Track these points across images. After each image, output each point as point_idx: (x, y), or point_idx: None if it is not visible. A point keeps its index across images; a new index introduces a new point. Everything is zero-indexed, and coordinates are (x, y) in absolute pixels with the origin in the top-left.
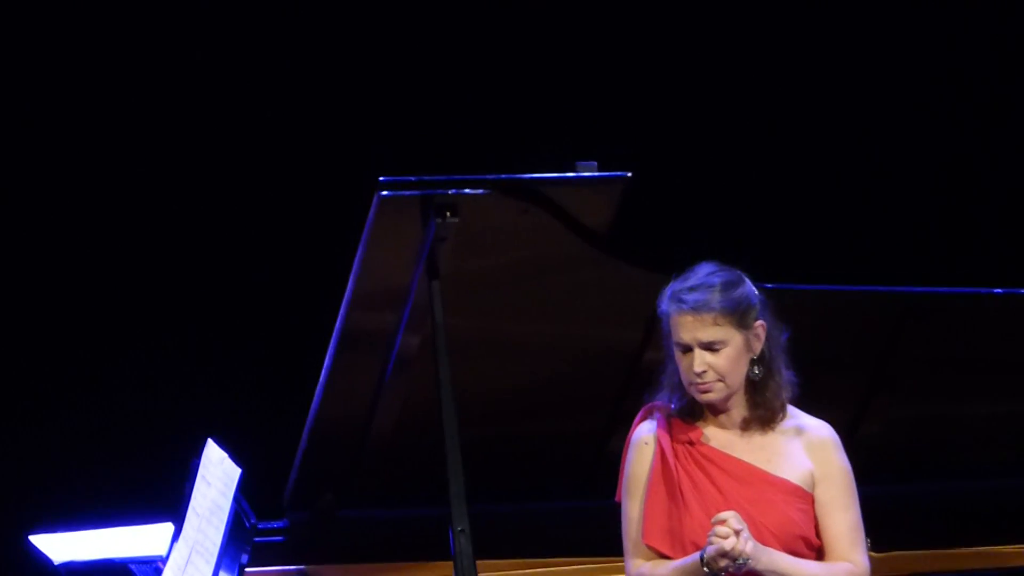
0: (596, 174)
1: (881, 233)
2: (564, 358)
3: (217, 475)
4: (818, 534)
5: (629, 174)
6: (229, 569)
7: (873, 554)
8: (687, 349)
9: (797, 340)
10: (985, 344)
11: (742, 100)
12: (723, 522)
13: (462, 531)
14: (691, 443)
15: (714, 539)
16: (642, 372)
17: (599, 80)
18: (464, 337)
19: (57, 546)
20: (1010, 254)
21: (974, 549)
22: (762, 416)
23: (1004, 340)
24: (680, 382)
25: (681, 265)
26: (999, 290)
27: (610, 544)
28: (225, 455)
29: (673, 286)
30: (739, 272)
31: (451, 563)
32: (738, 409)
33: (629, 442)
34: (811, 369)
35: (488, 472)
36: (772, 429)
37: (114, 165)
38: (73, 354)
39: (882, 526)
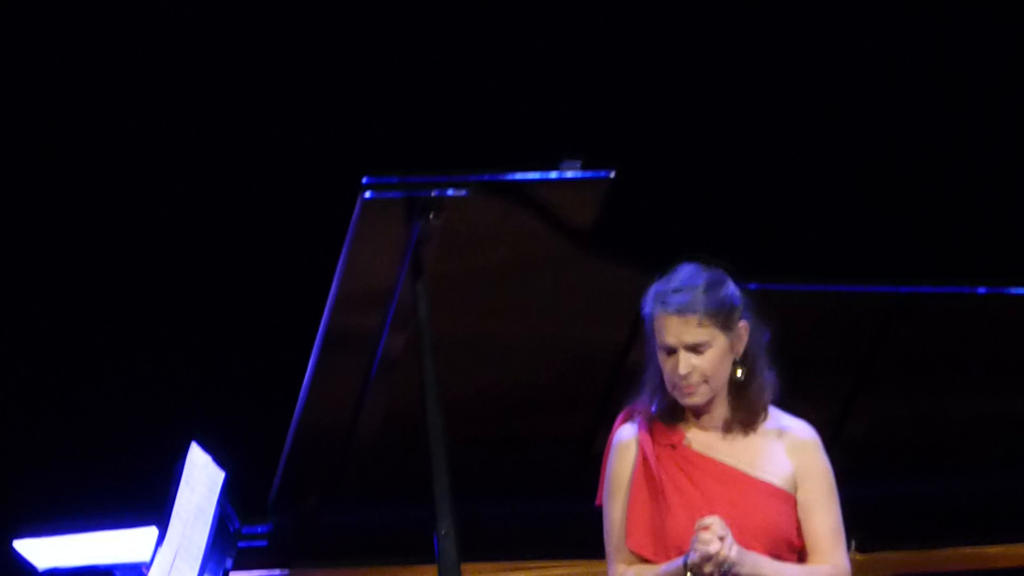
0: (579, 173)
1: (866, 232)
2: (549, 358)
3: (201, 479)
4: (800, 535)
5: (612, 173)
6: (214, 573)
7: (859, 555)
8: (671, 351)
9: (782, 339)
10: (970, 343)
11: (725, 98)
12: (707, 527)
13: (446, 534)
14: (673, 446)
15: (698, 545)
16: (627, 372)
17: (582, 79)
18: (449, 337)
19: (41, 551)
20: (994, 253)
21: (960, 549)
22: (744, 418)
23: (988, 339)
24: (661, 384)
25: (665, 264)
26: (983, 288)
27: (596, 547)
28: (209, 459)
29: (656, 287)
30: (722, 272)
31: (436, 566)
32: (720, 411)
33: (610, 445)
34: (796, 368)
35: (473, 473)
36: (754, 431)
37: (94, 170)
38: (57, 358)
39: (868, 526)
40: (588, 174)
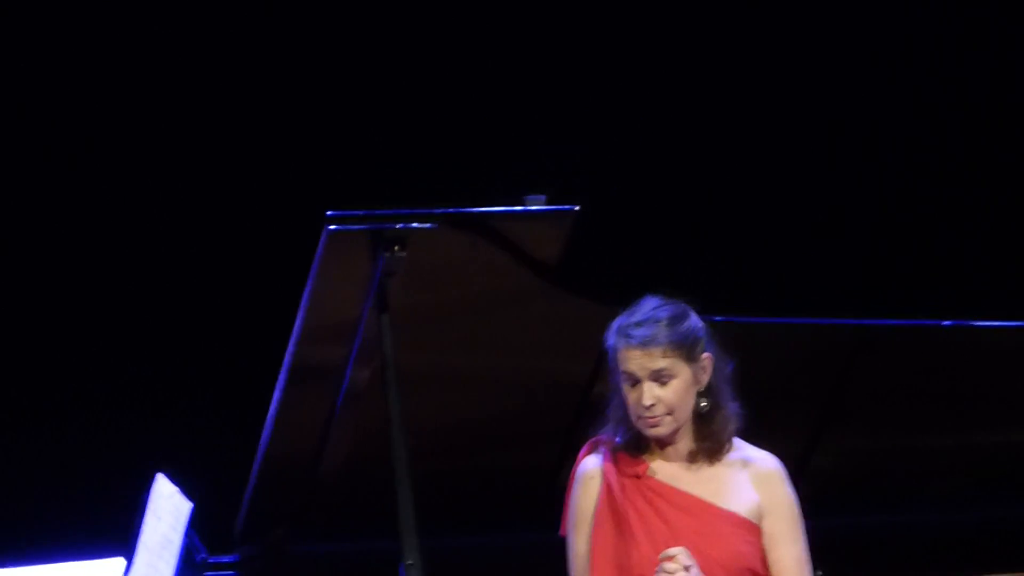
0: (545, 207)
1: (830, 266)
2: (515, 391)
3: (167, 509)
4: (765, 566)
5: (577, 207)
6: None
7: None
8: (635, 382)
9: (748, 373)
10: (935, 376)
11: (690, 133)
12: (671, 558)
13: (412, 564)
14: (637, 476)
15: (663, 575)
16: (593, 404)
17: (547, 113)
18: (414, 371)
19: None
20: (958, 286)
21: None
22: (709, 448)
23: (954, 372)
24: (625, 416)
25: (631, 298)
26: (948, 322)
27: None
28: (176, 489)
29: (620, 321)
30: (684, 305)
31: None
32: (685, 442)
33: (574, 476)
34: (762, 401)
35: (439, 505)
36: (719, 461)
37: (56, 196)
38: (21, 388)
39: (834, 558)
40: (554, 208)
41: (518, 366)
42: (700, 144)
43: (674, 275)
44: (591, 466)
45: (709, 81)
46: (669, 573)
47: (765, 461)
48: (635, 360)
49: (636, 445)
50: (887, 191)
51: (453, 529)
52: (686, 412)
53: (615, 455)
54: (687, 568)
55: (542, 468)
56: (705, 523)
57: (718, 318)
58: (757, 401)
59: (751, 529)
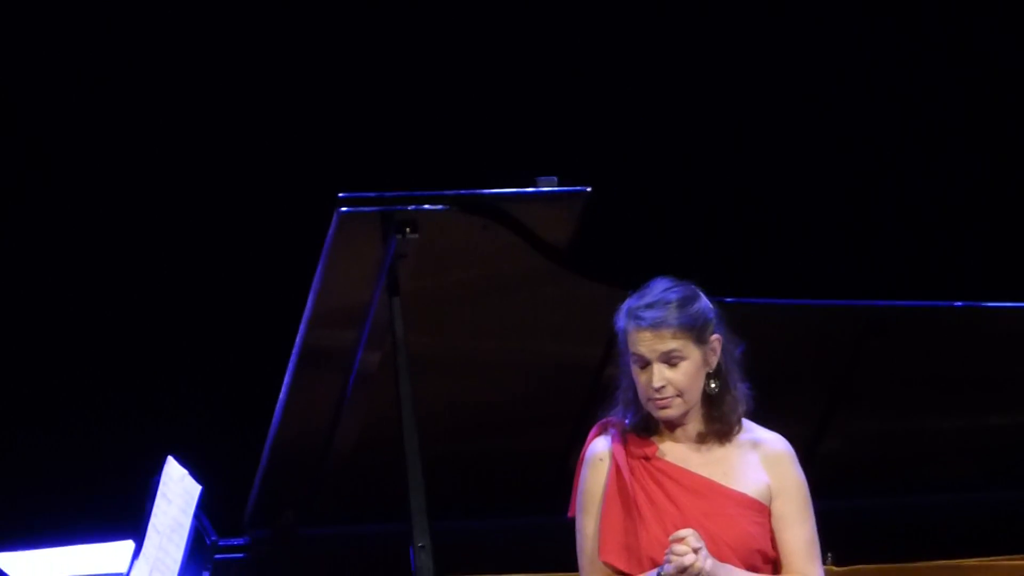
0: (556, 189)
1: (842, 247)
2: (526, 374)
3: (177, 492)
4: (775, 547)
5: (589, 189)
6: None
7: (835, 568)
8: (645, 364)
9: (759, 355)
10: (946, 358)
11: (702, 114)
12: (681, 540)
13: (423, 547)
14: (647, 458)
15: (672, 557)
16: (604, 387)
17: (559, 95)
18: (425, 354)
19: (17, 565)
20: (970, 267)
21: (935, 563)
22: (718, 430)
23: (965, 354)
24: (635, 398)
25: (642, 280)
26: (959, 303)
27: (572, 560)
28: (185, 472)
29: (629, 303)
30: (694, 286)
31: None
32: (694, 423)
33: (583, 458)
34: (773, 384)
35: (450, 488)
36: (728, 442)
37: (63, 188)
38: (33, 372)
39: (844, 540)
40: (565, 190)
41: (529, 349)
42: (710, 125)
43: (685, 256)
44: (600, 448)
45: (720, 63)
46: (678, 555)
47: (775, 443)
48: (645, 342)
49: (645, 427)
50: (896, 171)
51: (463, 512)
52: (696, 394)
53: (624, 437)
54: (696, 550)
55: (553, 451)
56: (714, 504)
57: (729, 299)
58: (767, 383)
59: (760, 510)
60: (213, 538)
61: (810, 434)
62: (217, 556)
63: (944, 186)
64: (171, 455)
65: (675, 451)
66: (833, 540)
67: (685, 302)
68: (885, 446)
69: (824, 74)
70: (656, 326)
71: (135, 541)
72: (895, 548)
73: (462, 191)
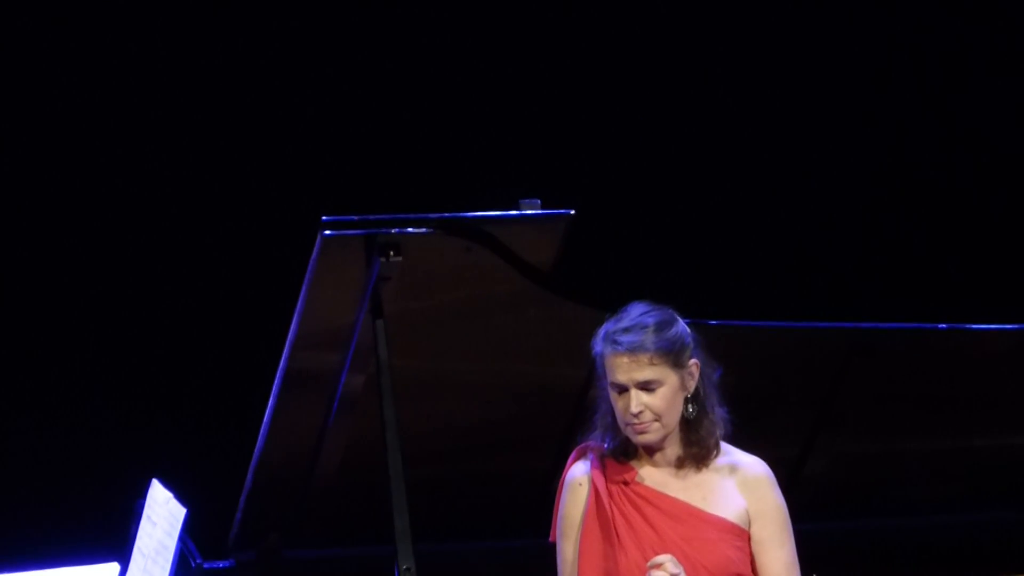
0: (539, 211)
1: (825, 269)
2: (510, 396)
3: (163, 515)
4: (755, 570)
5: (572, 211)
6: None
7: None
8: (623, 390)
9: (744, 377)
10: (930, 380)
11: (684, 137)
12: (660, 565)
13: (408, 569)
14: (626, 483)
15: None
16: (587, 410)
17: (542, 118)
18: (409, 376)
19: None
20: (954, 289)
21: None
22: (696, 454)
23: (949, 376)
24: (614, 422)
25: (626, 303)
26: (943, 325)
27: None
28: (171, 495)
29: (607, 327)
30: (671, 311)
31: None
32: (672, 448)
33: (563, 483)
34: (758, 406)
35: (434, 511)
36: (706, 467)
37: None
38: (17, 393)
39: (828, 563)
40: (548, 212)
41: (512, 371)
42: (691, 148)
43: (669, 279)
44: (579, 473)
45: (700, 86)
46: None
47: (753, 466)
48: (622, 367)
49: (624, 451)
50: (881, 193)
51: (448, 534)
52: (674, 418)
53: (603, 461)
54: (675, 575)
55: (537, 473)
56: (693, 529)
57: (713, 322)
58: (752, 406)
59: (739, 534)
60: (198, 561)
61: (795, 456)
62: None
63: (928, 208)
64: (156, 478)
65: (654, 476)
66: (817, 563)
67: (662, 326)
68: (870, 468)
69: (804, 100)
70: (633, 351)
71: (120, 564)
72: (881, 570)
73: (445, 214)
